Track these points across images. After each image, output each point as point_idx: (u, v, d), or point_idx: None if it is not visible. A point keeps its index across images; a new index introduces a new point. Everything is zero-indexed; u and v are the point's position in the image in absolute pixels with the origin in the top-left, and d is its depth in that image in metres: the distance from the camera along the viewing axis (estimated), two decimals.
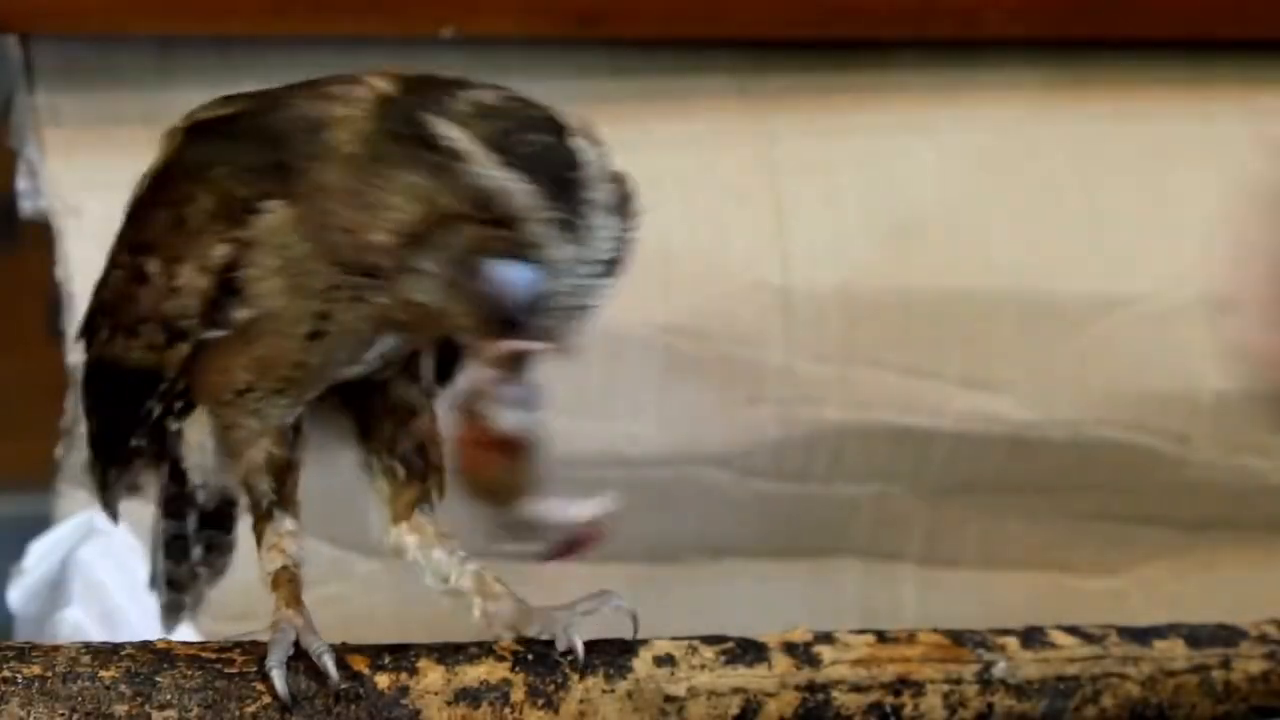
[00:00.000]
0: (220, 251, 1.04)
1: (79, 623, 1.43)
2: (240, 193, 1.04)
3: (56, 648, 1.03)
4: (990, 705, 1.13)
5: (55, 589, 1.48)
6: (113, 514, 1.20)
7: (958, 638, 1.14)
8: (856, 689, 1.11)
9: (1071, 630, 1.17)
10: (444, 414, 1.09)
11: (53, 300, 1.52)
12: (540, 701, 1.06)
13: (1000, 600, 1.67)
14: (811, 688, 1.10)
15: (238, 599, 1.55)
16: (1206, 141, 1.70)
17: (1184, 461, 1.66)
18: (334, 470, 1.56)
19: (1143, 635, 1.18)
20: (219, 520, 1.19)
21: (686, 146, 1.60)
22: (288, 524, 1.11)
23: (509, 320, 1.00)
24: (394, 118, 1.02)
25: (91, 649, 1.03)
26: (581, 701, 1.07)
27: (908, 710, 1.12)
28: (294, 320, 1.05)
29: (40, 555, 1.49)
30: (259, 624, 1.35)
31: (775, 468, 1.60)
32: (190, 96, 1.53)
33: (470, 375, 1.04)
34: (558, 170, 1.00)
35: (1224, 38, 1.69)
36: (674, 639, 1.11)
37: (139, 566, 1.48)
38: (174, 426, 1.11)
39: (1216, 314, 1.62)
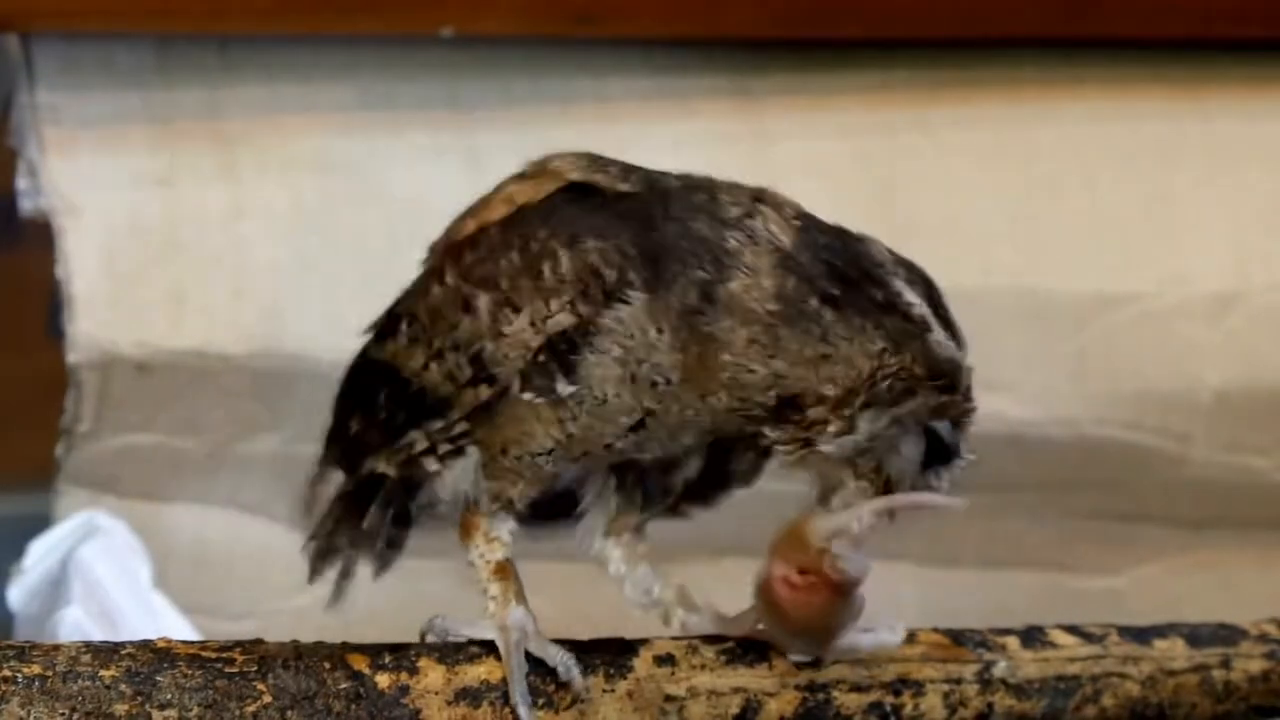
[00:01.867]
0: (562, 319, 1.04)
1: (79, 622, 1.43)
2: (607, 274, 1.04)
3: (57, 647, 1.02)
4: (990, 705, 1.13)
5: (55, 588, 1.48)
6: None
7: (958, 638, 1.15)
8: (856, 688, 1.11)
9: (1071, 630, 1.17)
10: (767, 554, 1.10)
11: (53, 300, 1.52)
12: (540, 701, 1.06)
13: (1000, 600, 1.67)
14: (811, 687, 1.10)
15: (238, 599, 1.56)
16: (1206, 141, 1.70)
17: (1184, 460, 1.66)
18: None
19: (1143, 635, 1.18)
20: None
21: (686, 146, 1.60)
22: (511, 524, 1.10)
23: (924, 480, 1.06)
24: (832, 278, 1.04)
25: (92, 648, 1.03)
26: (581, 701, 1.07)
27: (908, 710, 1.12)
28: (620, 410, 1.05)
29: (40, 555, 1.49)
30: (259, 624, 1.36)
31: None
32: (190, 96, 1.55)
33: (828, 522, 1.06)
34: (960, 335, 1.07)
35: (1224, 38, 1.69)
36: (674, 638, 1.11)
37: (139, 566, 1.48)
38: (432, 467, 1.09)
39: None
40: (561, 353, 1.04)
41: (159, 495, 1.54)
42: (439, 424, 1.08)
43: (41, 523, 1.52)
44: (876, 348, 1.04)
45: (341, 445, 1.14)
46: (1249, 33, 1.69)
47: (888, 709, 1.11)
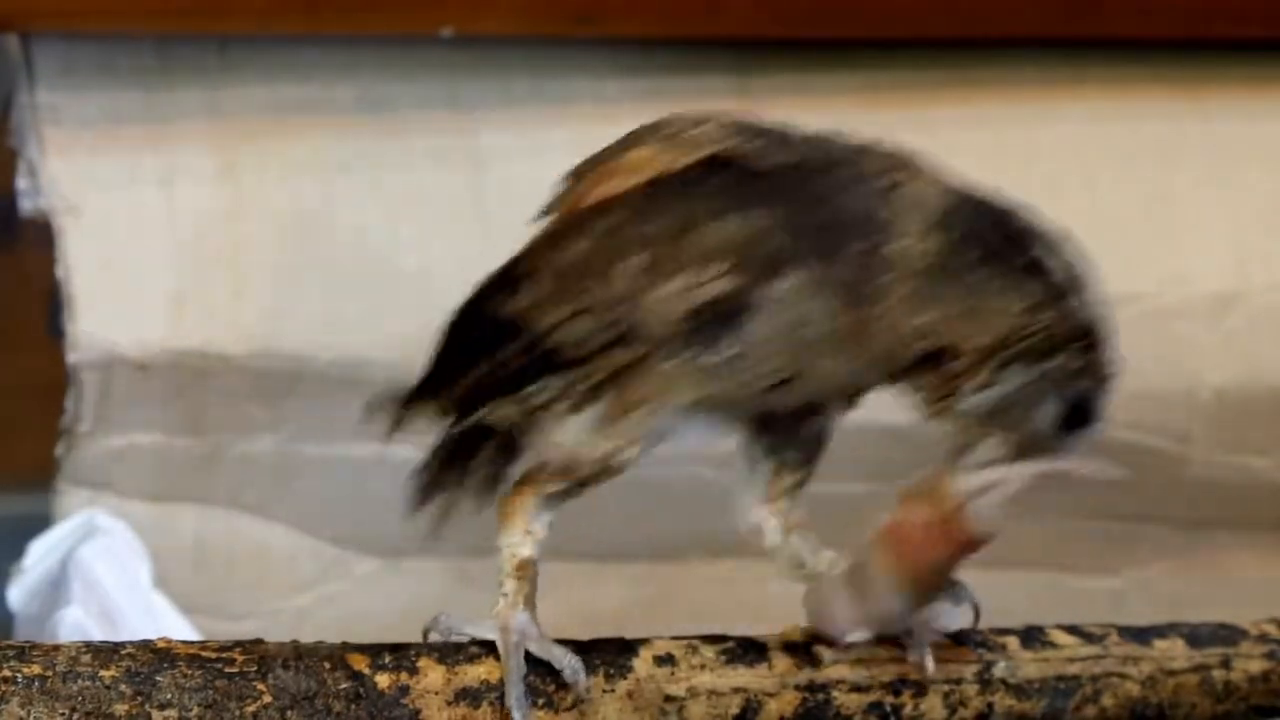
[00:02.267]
0: (719, 287, 1.05)
1: (79, 622, 1.43)
2: (767, 246, 1.05)
3: (57, 647, 1.02)
4: (990, 705, 1.13)
5: (55, 588, 1.48)
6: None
7: (958, 637, 1.15)
8: (857, 689, 1.11)
9: (1071, 630, 1.17)
10: (901, 501, 1.10)
11: (53, 300, 1.52)
12: (540, 701, 1.06)
13: (1000, 600, 1.67)
14: (811, 687, 1.10)
15: (238, 599, 1.56)
16: (1206, 141, 1.70)
17: (1184, 460, 1.66)
18: (334, 470, 1.56)
19: (1143, 635, 1.18)
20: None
21: None
22: (547, 520, 1.11)
23: (1061, 443, 1.08)
24: (980, 239, 1.07)
25: (92, 648, 1.03)
26: (581, 701, 1.07)
27: (908, 710, 1.12)
28: (766, 372, 1.06)
29: (40, 555, 1.49)
30: (259, 624, 1.35)
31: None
32: (190, 96, 1.55)
33: (973, 478, 1.07)
34: (1100, 302, 1.10)
35: (1224, 38, 1.69)
36: (674, 639, 1.11)
37: (139, 566, 1.49)
38: (556, 418, 1.09)
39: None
40: (709, 321, 1.05)
41: (159, 495, 1.54)
42: (569, 377, 1.08)
43: (41, 523, 1.52)
44: (1021, 305, 1.06)
45: (450, 393, 1.13)
46: (1249, 33, 1.69)
47: (888, 709, 1.11)
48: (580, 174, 1.14)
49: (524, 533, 1.10)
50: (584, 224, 1.10)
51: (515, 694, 1.05)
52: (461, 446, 1.14)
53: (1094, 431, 1.09)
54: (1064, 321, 1.07)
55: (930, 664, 1.11)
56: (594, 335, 1.07)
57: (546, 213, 1.15)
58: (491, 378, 1.11)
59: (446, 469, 1.15)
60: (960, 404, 1.07)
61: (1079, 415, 1.08)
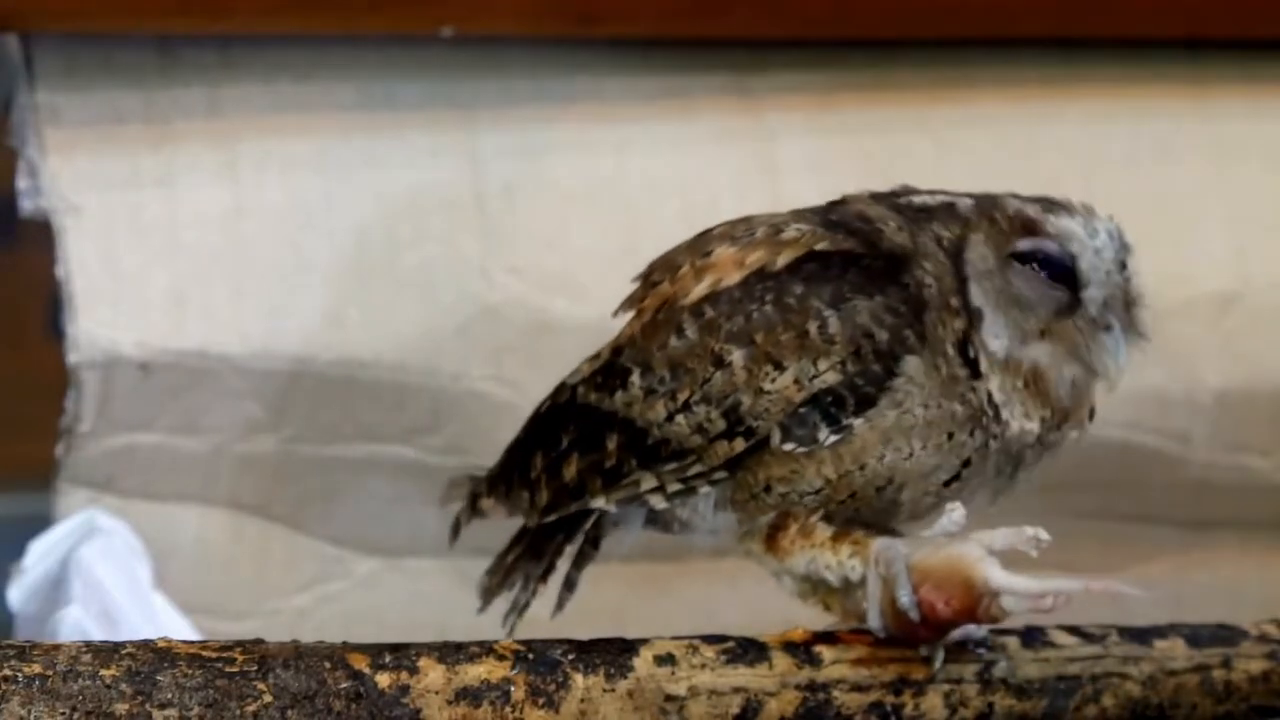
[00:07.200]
0: (831, 378, 1.09)
1: (79, 622, 1.43)
2: (879, 335, 1.08)
3: (57, 647, 1.03)
4: (991, 705, 1.13)
5: (55, 588, 1.48)
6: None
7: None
8: (857, 688, 1.11)
9: (1072, 630, 1.17)
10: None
11: (53, 300, 1.52)
12: (541, 700, 1.06)
13: None
14: (812, 687, 1.10)
15: (238, 599, 1.56)
16: (1207, 141, 1.70)
17: (1184, 461, 1.66)
18: (334, 470, 1.56)
19: (1143, 635, 1.18)
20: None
21: (686, 146, 1.60)
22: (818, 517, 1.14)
23: (1074, 285, 1.10)
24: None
25: (92, 648, 1.03)
26: (582, 700, 1.07)
27: (908, 709, 1.12)
28: (912, 473, 1.11)
29: (40, 555, 1.49)
30: (259, 624, 1.35)
31: None
32: (190, 96, 1.55)
33: (1005, 580, 1.10)
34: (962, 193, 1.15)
35: (1224, 37, 1.69)
36: (674, 638, 1.11)
37: (139, 566, 1.48)
38: (659, 505, 1.14)
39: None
40: (825, 405, 1.09)
41: (159, 495, 1.54)
42: (672, 466, 1.12)
43: (41, 523, 1.52)
44: (931, 247, 1.11)
45: (540, 485, 1.17)
46: (1249, 33, 1.69)
47: (888, 709, 1.11)
48: (655, 273, 1.17)
49: (804, 535, 1.13)
50: (685, 319, 1.12)
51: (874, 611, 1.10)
52: (537, 543, 1.19)
53: (1089, 277, 1.11)
54: (945, 226, 1.11)
55: (940, 660, 1.11)
56: (704, 426, 1.11)
57: (625, 309, 1.18)
58: (591, 471, 1.14)
59: (518, 568, 1.20)
60: (996, 354, 1.10)
61: (1059, 274, 1.10)
